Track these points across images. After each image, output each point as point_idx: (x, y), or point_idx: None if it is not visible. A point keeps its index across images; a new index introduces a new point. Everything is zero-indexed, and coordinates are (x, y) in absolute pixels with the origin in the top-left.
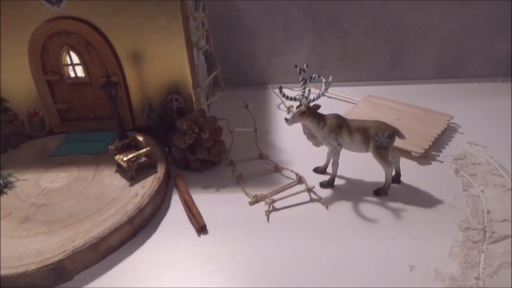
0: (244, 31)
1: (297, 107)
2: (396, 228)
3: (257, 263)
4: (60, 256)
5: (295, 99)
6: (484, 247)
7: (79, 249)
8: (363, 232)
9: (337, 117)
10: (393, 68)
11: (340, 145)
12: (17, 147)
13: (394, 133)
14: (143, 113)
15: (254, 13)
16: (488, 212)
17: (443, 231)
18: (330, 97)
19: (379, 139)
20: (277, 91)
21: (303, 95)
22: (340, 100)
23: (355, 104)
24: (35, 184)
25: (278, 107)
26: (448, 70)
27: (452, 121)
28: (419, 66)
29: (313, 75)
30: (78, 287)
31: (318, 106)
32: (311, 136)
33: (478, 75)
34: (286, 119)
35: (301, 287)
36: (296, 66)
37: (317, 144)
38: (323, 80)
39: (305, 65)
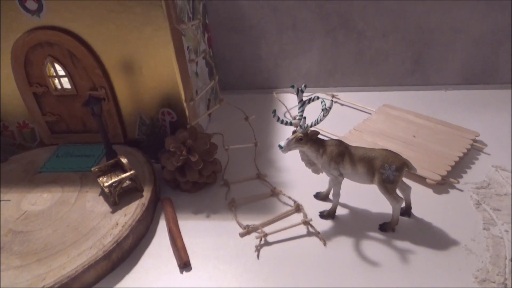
0: (249, 32)
1: (293, 132)
2: (401, 274)
3: None
4: None
5: (290, 124)
6: None
7: None
8: (362, 277)
9: (339, 144)
10: (414, 73)
11: (341, 175)
12: (5, 161)
13: (403, 165)
14: (135, 126)
15: (260, 13)
16: None
17: (456, 283)
18: (342, 105)
19: (386, 172)
20: (282, 98)
21: (300, 119)
22: (353, 108)
23: (369, 113)
24: (16, 206)
25: (284, 116)
26: (478, 76)
27: (477, 138)
28: (444, 71)
29: (313, 96)
30: None
31: (317, 133)
32: (309, 163)
33: (511, 82)
34: (280, 146)
35: None
36: (293, 86)
37: (316, 171)
38: (322, 103)
39: (303, 85)
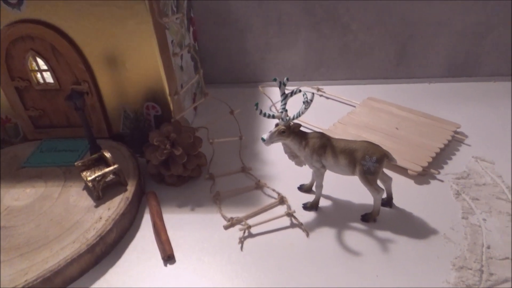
0: (235, 26)
1: (276, 125)
2: (381, 263)
3: None
4: None
5: (273, 117)
6: None
7: (30, 284)
8: (344, 266)
9: (321, 136)
10: (398, 66)
11: (324, 167)
12: None
13: (383, 157)
14: (120, 121)
15: (246, 6)
16: (489, 247)
17: (434, 270)
18: (327, 98)
19: (367, 163)
20: (267, 92)
21: (283, 113)
22: (338, 101)
23: (354, 106)
24: None
25: (270, 109)
26: (461, 68)
27: (459, 130)
28: (427, 64)
29: (295, 89)
30: None
31: (299, 126)
32: (292, 156)
33: (494, 74)
34: (263, 139)
35: None
36: (275, 79)
37: (300, 163)
38: (304, 96)
39: (285, 78)
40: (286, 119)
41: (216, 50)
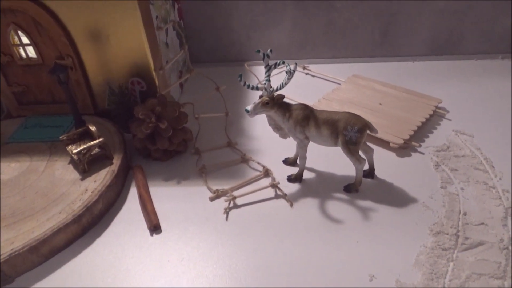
0: (220, 4)
1: (260, 97)
2: (362, 231)
3: (209, 266)
4: None
5: (257, 89)
6: (455, 255)
7: (17, 252)
8: (327, 234)
9: (304, 108)
10: (382, 44)
11: (307, 138)
12: None
13: (364, 127)
14: (105, 97)
15: None
16: (465, 214)
17: (412, 236)
18: (313, 76)
19: (348, 133)
20: (254, 70)
21: (266, 83)
22: (323, 79)
23: (339, 84)
24: None
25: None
26: (444, 47)
27: (440, 105)
28: (411, 42)
29: (278, 61)
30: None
31: (282, 97)
32: (277, 128)
33: (476, 52)
34: (246, 110)
35: None
36: (258, 51)
37: (284, 136)
38: (287, 67)
39: (269, 50)
40: (270, 90)
41: (202, 29)
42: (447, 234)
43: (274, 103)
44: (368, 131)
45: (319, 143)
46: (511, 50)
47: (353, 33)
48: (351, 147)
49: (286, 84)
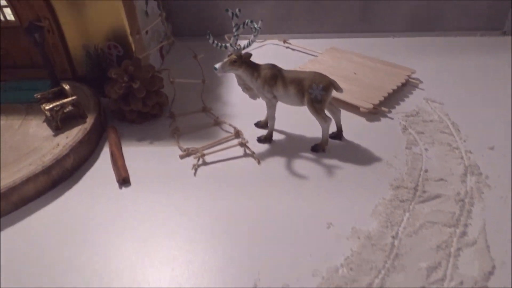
0: None
1: (228, 55)
2: (325, 185)
3: (175, 217)
4: None
5: (225, 47)
6: (411, 207)
7: None
8: (290, 189)
9: (272, 67)
10: (363, 20)
11: (275, 97)
12: None
13: (329, 85)
14: (83, 62)
15: None
16: (426, 171)
17: (373, 190)
18: (293, 49)
19: (314, 91)
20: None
21: (232, 39)
22: (303, 52)
23: (317, 56)
24: None
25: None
26: (424, 23)
27: (414, 76)
28: (391, 18)
29: (246, 21)
30: None
31: (250, 55)
32: (246, 88)
33: (455, 29)
34: (215, 68)
35: (219, 242)
36: (227, 10)
37: (253, 96)
38: (254, 25)
39: (237, 10)
40: (237, 48)
41: (185, 3)
42: (406, 188)
43: (242, 62)
44: (333, 90)
45: (287, 103)
46: (490, 27)
47: (334, 8)
48: (317, 105)
49: (252, 41)
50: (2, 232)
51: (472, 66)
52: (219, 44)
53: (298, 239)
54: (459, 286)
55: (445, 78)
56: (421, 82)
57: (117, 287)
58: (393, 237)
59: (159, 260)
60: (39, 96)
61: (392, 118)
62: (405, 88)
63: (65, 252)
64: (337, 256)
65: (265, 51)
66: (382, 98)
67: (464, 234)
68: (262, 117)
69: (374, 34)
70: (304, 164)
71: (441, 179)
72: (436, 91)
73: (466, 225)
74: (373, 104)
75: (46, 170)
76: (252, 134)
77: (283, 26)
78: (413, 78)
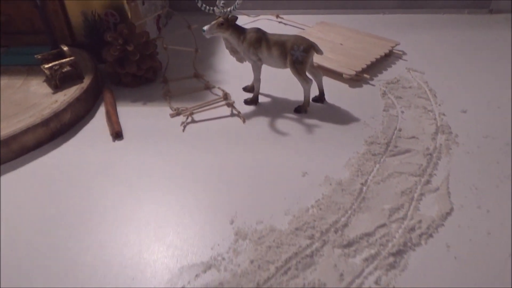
0: None
1: (216, 18)
2: (304, 141)
3: (165, 168)
4: None
5: (213, 11)
6: (382, 159)
7: None
8: (271, 144)
9: (257, 31)
10: None
11: (260, 60)
12: None
13: (310, 47)
14: (81, 29)
15: None
16: (400, 130)
17: (348, 145)
18: (285, 24)
19: (295, 53)
20: None
21: (221, 6)
22: (295, 27)
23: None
24: None
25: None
26: (413, 1)
27: (399, 48)
28: None
29: None
30: None
31: (235, 18)
32: (233, 51)
33: (444, 7)
34: (203, 30)
35: (202, 187)
36: None
37: (240, 59)
38: None
39: None
40: (224, 12)
41: None
42: (379, 143)
43: (229, 25)
44: (314, 53)
45: (271, 65)
46: (476, 5)
47: None
48: (298, 66)
49: (238, 4)
50: (3, 177)
51: (456, 41)
52: (207, 7)
53: (274, 185)
54: (418, 224)
55: (428, 51)
56: (405, 54)
57: (108, 221)
58: (362, 184)
59: (146, 201)
60: (39, 56)
61: (373, 85)
62: (389, 59)
63: (61, 195)
64: (309, 199)
65: (259, 26)
66: (364, 66)
67: (428, 182)
68: (249, 82)
69: (364, 10)
70: (286, 123)
71: (413, 137)
72: (418, 62)
73: (431, 175)
74: (355, 71)
75: (45, 122)
76: (240, 97)
77: (276, 3)
78: (398, 50)
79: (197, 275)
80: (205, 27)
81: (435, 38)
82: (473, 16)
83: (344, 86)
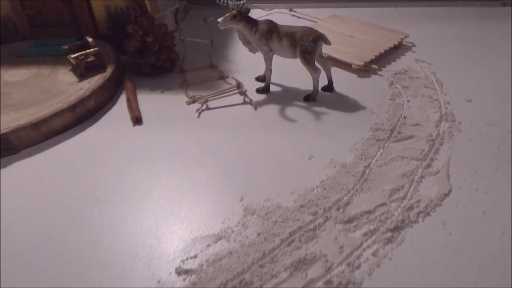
0: None
1: (230, 11)
2: (311, 127)
3: (182, 151)
4: (6, 130)
5: (227, 4)
6: (386, 144)
7: (21, 126)
8: (281, 129)
9: (269, 22)
10: None
11: (271, 50)
12: None
13: (318, 38)
14: (105, 22)
15: None
16: (405, 117)
17: (354, 131)
18: (298, 17)
19: (304, 43)
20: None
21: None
22: (308, 20)
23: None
24: None
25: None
26: None
27: (408, 40)
28: None
29: None
30: (23, 159)
31: (248, 10)
32: (246, 42)
33: None
34: (217, 22)
35: (215, 169)
36: None
37: (253, 50)
38: None
39: None
40: (237, 4)
41: None
42: (384, 130)
43: (242, 17)
44: (323, 44)
45: (282, 55)
46: None
47: None
48: (307, 56)
49: None
50: (34, 157)
51: (467, 33)
52: (222, 0)
53: (282, 167)
54: (416, 204)
55: (438, 43)
56: (414, 45)
57: (129, 197)
58: (365, 167)
59: (163, 180)
60: (66, 47)
61: (381, 76)
62: (399, 50)
63: (86, 173)
64: (314, 180)
65: (272, 19)
66: (373, 57)
67: (429, 166)
68: (261, 72)
69: (376, 3)
70: (296, 111)
71: (417, 124)
72: (427, 54)
73: (432, 159)
74: (364, 62)
75: (71, 108)
76: (252, 86)
77: None
78: (407, 42)
79: (208, 245)
80: (219, 19)
81: (445, 30)
82: (486, 9)
83: (353, 76)
